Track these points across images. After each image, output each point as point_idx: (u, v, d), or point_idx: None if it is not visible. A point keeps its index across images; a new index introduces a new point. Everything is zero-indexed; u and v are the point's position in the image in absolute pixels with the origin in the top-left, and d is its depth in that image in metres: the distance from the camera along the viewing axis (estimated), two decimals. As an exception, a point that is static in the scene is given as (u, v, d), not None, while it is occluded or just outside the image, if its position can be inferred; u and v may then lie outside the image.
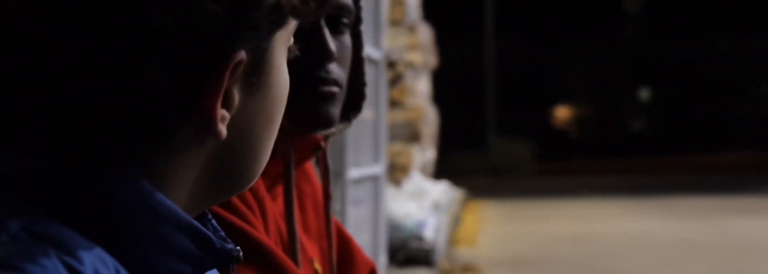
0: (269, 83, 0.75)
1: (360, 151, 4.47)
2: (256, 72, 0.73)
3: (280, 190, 1.35)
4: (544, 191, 17.34)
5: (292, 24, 0.75)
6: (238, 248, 0.75)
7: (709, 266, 8.39)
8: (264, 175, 1.19)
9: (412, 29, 8.64)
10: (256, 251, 1.21)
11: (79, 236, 0.67)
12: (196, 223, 0.71)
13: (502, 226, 11.74)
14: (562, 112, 34.50)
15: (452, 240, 9.49)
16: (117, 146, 0.70)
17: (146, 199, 0.69)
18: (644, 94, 35.56)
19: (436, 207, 7.99)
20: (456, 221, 10.50)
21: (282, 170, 1.31)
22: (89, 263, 0.65)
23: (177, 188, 0.73)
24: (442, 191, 9.05)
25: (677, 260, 8.77)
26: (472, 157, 22.45)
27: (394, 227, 6.62)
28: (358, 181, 4.37)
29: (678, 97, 33.56)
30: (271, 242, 1.26)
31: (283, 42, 0.75)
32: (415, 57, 8.50)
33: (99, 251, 0.67)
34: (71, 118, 0.69)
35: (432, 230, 6.93)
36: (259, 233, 1.24)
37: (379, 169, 4.84)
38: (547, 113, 33.98)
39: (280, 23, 0.73)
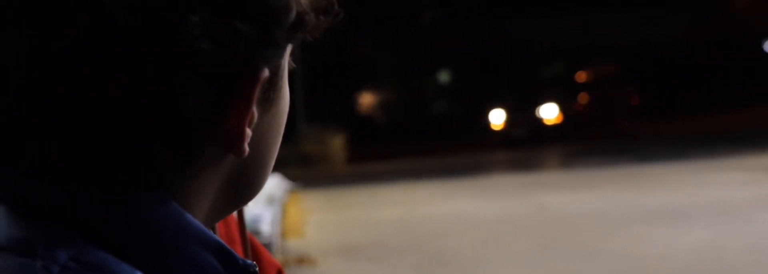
0: (280, 97, 0.77)
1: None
2: (273, 88, 0.75)
3: None
4: (361, 177, 17.54)
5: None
6: (255, 263, 0.77)
7: (532, 241, 8.72)
8: None
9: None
10: None
11: (121, 262, 0.67)
12: (222, 242, 0.72)
13: (326, 215, 11.82)
14: (367, 99, 34.97)
15: (281, 232, 9.49)
16: (148, 170, 0.70)
17: (177, 221, 0.70)
18: (444, 77, 36.44)
19: (271, 200, 7.97)
20: (282, 213, 10.50)
21: None
22: None
23: (200, 206, 0.74)
24: (275, 183, 9.04)
25: (501, 237, 9.08)
26: (284, 147, 22.43)
27: (230, 224, 6.57)
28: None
29: (476, 79, 34.57)
30: None
31: (288, 55, 0.77)
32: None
33: None
34: (105, 146, 0.69)
35: (268, 224, 6.93)
36: None
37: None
38: (352, 100, 34.36)
39: (295, 39, 0.75)
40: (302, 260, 8.31)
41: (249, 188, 0.78)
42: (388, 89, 34.96)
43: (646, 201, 10.84)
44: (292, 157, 22.07)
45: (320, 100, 28.41)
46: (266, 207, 7.42)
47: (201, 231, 0.71)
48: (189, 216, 0.71)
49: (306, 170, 20.79)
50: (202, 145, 0.71)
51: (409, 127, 32.51)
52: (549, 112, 29.72)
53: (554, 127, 28.98)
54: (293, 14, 0.72)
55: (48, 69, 0.68)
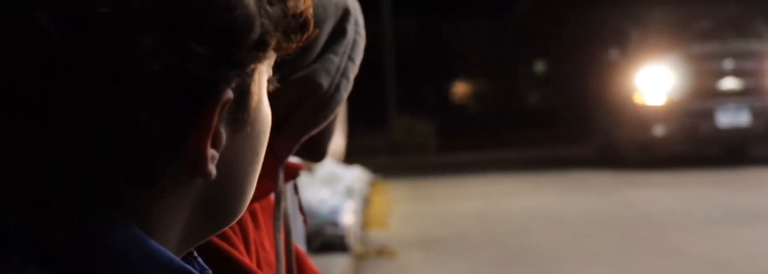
0: (254, 118, 0.75)
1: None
2: (242, 108, 0.73)
3: (254, 207, 1.35)
4: (448, 168, 17.48)
5: (273, 56, 0.76)
6: None
7: (615, 238, 8.60)
8: None
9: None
10: (236, 271, 1.21)
11: None
12: (189, 267, 0.72)
13: (411, 206, 11.82)
14: (461, 88, 34.86)
15: (363, 223, 9.53)
16: (106, 194, 0.70)
17: (140, 247, 0.69)
18: (539, 67, 36.09)
19: (350, 192, 8.01)
20: (365, 203, 10.55)
21: (262, 193, 1.31)
22: None
23: (168, 230, 0.73)
24: (355, 176, 9.07)
25: (584, 234, 8.97)
26: (374, 136, 22.50)
27: (308, 215, 6.63)
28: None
29: (571, 70, 34.14)
30: (253, 264, 1.27)
31: (264, 75, 0.75)
32: (320, 42, 8.46)
33: None
34: (62, 170, 0.69)
35: (346, 216, 6.97)
36: (241, 255, 1.24)
37: (297, 158, 4.84)
38: (445, 89, 34.30)
39: (263, 58, 0.73)
40: (382, 252, 8.32)
41: (224, 211, 0.77)
42: (481, 79, 34.80)
43: (738, 202, 10.57)
44: (382, 146, 22.11)
45: (412, 90, 28.42)
46: (345, 199, 7.46)
47: (166, 258, 0.70)
48: (153, 242, 0.70)
49: (396, 159, 20.80)
50: (161, 166, 0.70)
51: (503, 118, 32.28)
52: None
53: None
54: (256, 34, 0.70)
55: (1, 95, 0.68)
